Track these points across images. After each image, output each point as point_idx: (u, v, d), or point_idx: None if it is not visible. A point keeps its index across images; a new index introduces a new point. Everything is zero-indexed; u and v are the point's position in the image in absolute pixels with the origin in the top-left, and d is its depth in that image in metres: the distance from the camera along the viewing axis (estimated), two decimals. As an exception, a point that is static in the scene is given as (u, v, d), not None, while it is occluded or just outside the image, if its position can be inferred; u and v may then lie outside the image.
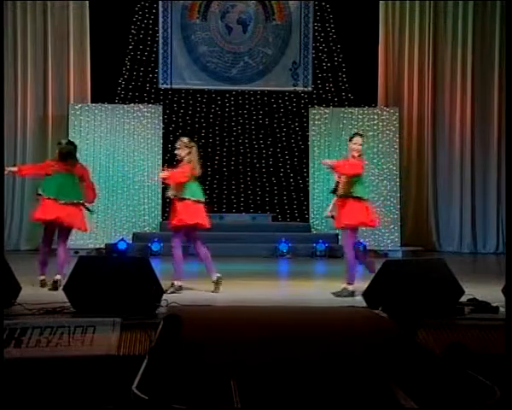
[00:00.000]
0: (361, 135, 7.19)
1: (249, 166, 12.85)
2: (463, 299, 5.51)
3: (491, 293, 6.03)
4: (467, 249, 12.57)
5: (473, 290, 5.80)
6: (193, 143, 7.32)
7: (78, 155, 7.54)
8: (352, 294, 6.43)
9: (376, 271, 5.73)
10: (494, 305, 5.54)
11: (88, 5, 12.40)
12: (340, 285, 6.65)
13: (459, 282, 5.49)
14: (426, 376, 3.72)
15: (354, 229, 6.78)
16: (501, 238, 12.65)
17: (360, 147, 6.91)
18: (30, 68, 12.31)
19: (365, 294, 5.58)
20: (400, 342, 4.32)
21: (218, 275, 6.99)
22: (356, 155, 6.88)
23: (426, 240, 12.65)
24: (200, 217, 7.01)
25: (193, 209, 6.92)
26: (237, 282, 7.93)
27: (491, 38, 12.64)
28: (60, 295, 5.29)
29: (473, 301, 5.61)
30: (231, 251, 11.19)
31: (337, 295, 6.53)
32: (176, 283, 6.87)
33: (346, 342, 4.34)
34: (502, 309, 5.52)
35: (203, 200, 7.07)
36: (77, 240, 11.93)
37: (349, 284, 6.59)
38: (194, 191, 6.98)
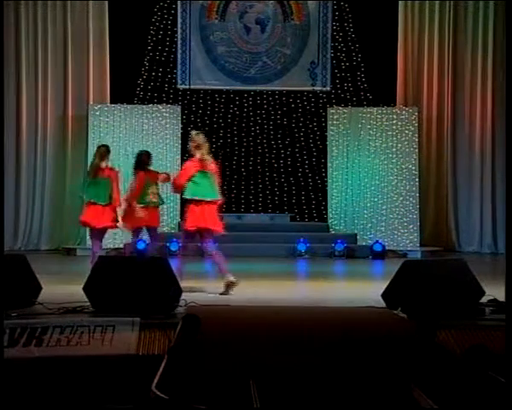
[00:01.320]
0: None
1: (267, 166, 12.84)
2: (484, 300, 5.45)
3: (512, 294, 5.96)
4: (487, 250, 12.46)
5: (493, 291, 5.74)
6: (201, 137, 7.20)
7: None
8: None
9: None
10: (515, 306, 5.48)
11: (107, 5, 12.47)
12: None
13: (479, 282, 5.44)
14: (446, 377, 3.69)
15: None
16: (522, 238, 12.51)
17: None
18: (50, 69, 12.41)
19: (384, 294, 5.55)
20: (420, 343, 4.29)
21: (232, 279, 6.82)
22: None
23: (445, 240, 12.56)
24: (213, 221, 6.99)
25: (207, 211, 6.90)
26: (255, 282, 7.93)
27: (512, 36, 12.51)
28: (80, 295, 5.32)
29: (493, 301, 5.55)
30: (250, 251, 11.20)
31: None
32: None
33: (365, 342, 4.32)
34: (523, 310, 5.46)
35: (215, 200, 6.98)
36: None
37: None
38: (207, 190, 6.87)
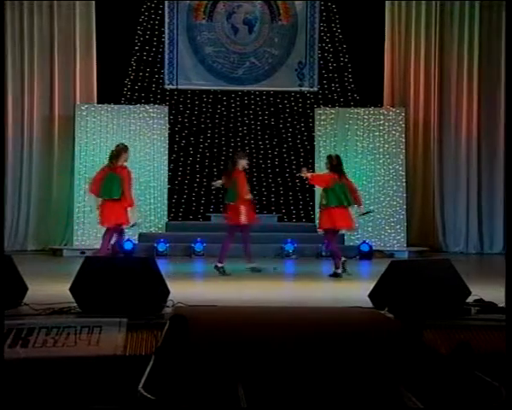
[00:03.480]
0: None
1: (255, 166, 12.83)
2: (470, 300, 5.49)
3: (498, 294, 5.99)
4: (473, 250, 12.54)
5: (479, 291, 5.78)
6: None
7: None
8: None
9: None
10: (500, 306, 5.52)
11: (94, 5, 12.43)
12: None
13: (465, 282, 5.48)
14: (432, 376, 3.71)
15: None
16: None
17: None
18: (36, 68, 12.34)
19: (371, 294, 5.57)
20: (406, 343, 4.31)
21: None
22: None
23: (432, 240, 12.62)
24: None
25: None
26: (243, 282, 7.94)
27: (498, 38, 12.59)
28: (66, 296, 5.30)
29: (479, 301, 5.59)
30: (237, 251, 11.17)
31: None
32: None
33: (351, 342, 4.34)
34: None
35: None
36: (83, 240, 11.99)
37: None
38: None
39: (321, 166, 12.46)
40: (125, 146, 8.72)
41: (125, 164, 8.55)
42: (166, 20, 12.66)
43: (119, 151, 8.51)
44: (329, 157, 8.86)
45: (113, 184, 8.30)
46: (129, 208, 8.36)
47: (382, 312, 5.25)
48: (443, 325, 4.78)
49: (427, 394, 3.47)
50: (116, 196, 8.22)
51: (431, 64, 12.72)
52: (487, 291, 6.06)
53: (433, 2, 12.73)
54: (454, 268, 5.54)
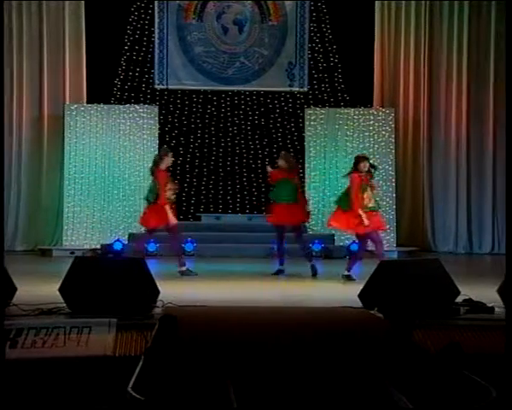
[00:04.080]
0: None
1: (245, 166, 12.85)
2: (459, 299, 5.51)
3: (487, 293, 6.04)
4: (462, 250, 12.60)
5: (468, 291, 5.81)
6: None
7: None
8: None
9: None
10: (489, 305, 5.55)
11: (84, 5, 12.38)
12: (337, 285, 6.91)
13: (455, 282, 5.50)
14: (421, 376, 3.72)
15: None
16: (496, 239, 12.68)
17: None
18: (25, 68, 12.29)
19: (361, 294, 5.58)
20: (396, 343, 4.32)
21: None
22: None
23: (421, 240, 12.67)
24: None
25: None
26: (233, 282, 7.93)
27: (487, 38, 12.67)
28: (55, 296, 5.28)
29: (468, 301, 5.61)
30: (227, 251, 11.20)
31: None
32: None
33: (341, 342, 4.35)
34: (497, 310, 5.53)
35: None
36: (72, 240, 11.95)
37: None
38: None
39: (311, 167, 12.51)
40: (167, 150, 8.99)
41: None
42: (156, 19, 12.64)
43: (162, 156, 8.73)
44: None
45: (150, 187, 8.65)
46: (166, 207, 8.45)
47: (372, 312, 5.27)
48: (432, 325, 4.80)
49: (417, 393, 3.48)
50: (151, 200, 8.52)
51: (420, 64, 12.77)
52: (476, 291, 6.09)
53: (423, 2, 12.78)
54: (443, 268, 5.56)
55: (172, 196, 8.61)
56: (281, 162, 8.83)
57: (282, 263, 8.71)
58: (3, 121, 10.22)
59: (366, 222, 7.93)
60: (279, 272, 8.63)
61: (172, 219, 8.46)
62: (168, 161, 8.71)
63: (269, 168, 9.30)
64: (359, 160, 8.25)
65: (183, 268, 8.51)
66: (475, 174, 12.75)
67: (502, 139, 12.70)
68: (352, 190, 8.06)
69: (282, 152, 9.60)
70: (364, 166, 8.09)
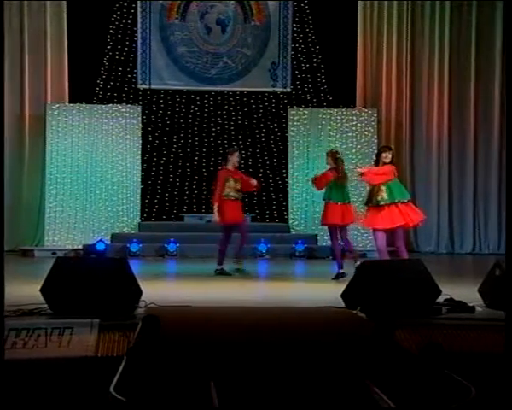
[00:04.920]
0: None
1: (228, 166, 12.82)
2: (440, 299, 5.55)
3: (468, 293, 6.09)
4: (444, 250, 12.69)
5: (450, 290, 5.85)
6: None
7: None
8: None
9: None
10: (470, 305, 5.60)
11: (65, 4, 12.30)
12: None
13: (436, 282, 5.54)
14: (403, 375, 3.75)
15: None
16: (477, 239, 12.78)
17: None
18: (7, 68, 12.14)
19: (343, 294, 5.61)
20: (378, 342, 4.35)
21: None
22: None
23: (404, 241, 12.71)
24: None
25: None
26: (216, 282, 7.93)
27: (468, 38, 12.77)
28: (37, 297, 5.24)
29: (449, 301, 5.66)
30: (211, 252, 11.13)
31: None
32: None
33: (324, 342, 4.36)
34: (478, 309, 5.58)
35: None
36: (54, 241, 11.87)
37: None
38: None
39: (294, 167, 12.54)
40: (233, 150, 9.03)
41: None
42: (139, 19, 12.59)
43: (227, 155, 8.84)
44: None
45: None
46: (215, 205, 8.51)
47: (354, 311, 5.29)
48: (414, 324, 4.83)
49: (399, 393, 3.50)
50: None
51: (402, 65, 12.84)
52: (457, 291, 6.13)
53: (405, 2, 12.86)
54: (425, 268, 5.60)
55: (231, 194, 8.54)
56: (329, 160, 8.57)
57: (341, 266, 8.19)
58: (3, 121, 10.09)
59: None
60: (341, 276, 8.06)
61: (221, 217, 8.46)
62: (234, 159, 8.71)
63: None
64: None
65: (219, 267, 8.56)
66: (457, 175, 12.86)
67: (483, 139, 12.83)
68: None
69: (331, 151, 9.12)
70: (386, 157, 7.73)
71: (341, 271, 8.09)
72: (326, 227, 8.71)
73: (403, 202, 7.44)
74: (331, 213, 8.23)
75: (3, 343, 4.15)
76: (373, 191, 7.48)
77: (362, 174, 7.64)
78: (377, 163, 7.60)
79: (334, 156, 8.53)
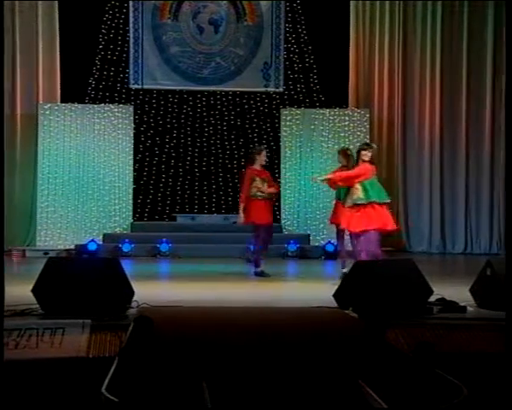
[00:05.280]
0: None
1: (221, 166, 12.84)
2: (432, 299, 5.57)
3: (460, 293, 6.12)
4: (436, 250, 12.73)
5: (441, 290, 5.87)
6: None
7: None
8: None
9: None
10: (462, 304, 5.62)
11: (57, 4, 12.27)
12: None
13: (428, 282, 5.56)
14: (395, 375, 3.75)
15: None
16: (469, 239, 12.83)
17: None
18: (-1, 67, 12.13)
19: (336, 294, 5.61)
20: (370, 342, 4.36)
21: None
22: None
23: (396, 241, 12.73)
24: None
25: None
26: (209, 282, 7.92)
27: (460, 38, 12.82)
28: (28, 297, 5.22)
29: (441, 300, 5.68)
30: (203, 252, 11.18)
31: None
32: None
33: (316, 342, 4.37)
34: (469, 309, 5.60)
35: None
36: (46, 241, 11.84)
37: None
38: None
39: (286, 167, 12.54)
40: (260, 149, 8.79)
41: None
42: (131, 19, 12.56)
43: (254, 154, 8.61)
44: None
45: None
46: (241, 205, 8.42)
47: (347, 311, 5.30)
48: (406, 324, 4.84)
49: (390, 392, 3.51)
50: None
51: (394, 65, 12.88)
52: (449, 290, 6.16)
53: (397, 3, 12.89)
54: (417, 268, 5.62)
55: (259, 194, 8.35)
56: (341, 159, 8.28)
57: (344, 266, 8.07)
58: (3, 121, 10.04)
59: None
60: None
61: (247, 217, 8.31)
62: (262, 158, 8.53)
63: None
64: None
65: (258, 269, 8.40)
66: (449, 174, 12.90)
67: (474, 139, 12.88)
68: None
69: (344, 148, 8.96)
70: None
71: (344, 270, 7.99)
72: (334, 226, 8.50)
73: (379, 204, 7.18)
74: (340, 213, 8.01)
75: (3, 343, 4.13)
76: (349, 192, 7.28)
77: (325, 180, 7.66)
78: (357, 161, 7.41)
79: (345, 154, 8.29)
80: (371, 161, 7.31)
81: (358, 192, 7.13)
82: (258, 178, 8.38)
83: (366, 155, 7.25)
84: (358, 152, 7.39)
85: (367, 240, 7.10)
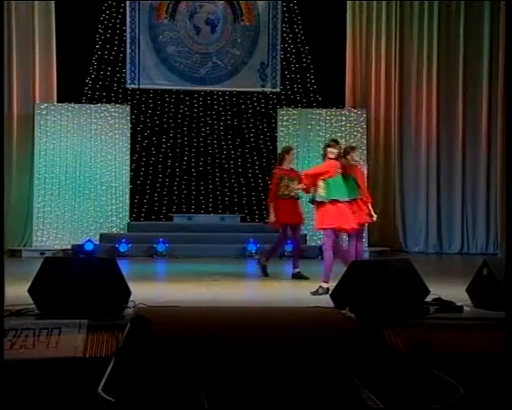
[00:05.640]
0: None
1: (218, 166, 12.83)
2: (429, 298, 5.57)
3: (456, 292, 6.13)
4: (432, 250, 12.74)
5: (438, 290, 5.88)
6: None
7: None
8: (327, 291, 6.54)
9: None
10: (458, 304, 5.63)
11: (54, 3, 12.25)
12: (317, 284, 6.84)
13: (425, 282, 5.56)
14: (391, 375, 3.76)
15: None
16: (465, 239, 12.84)
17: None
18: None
19: (333, 294, 5.62)
20: (366, 342, 4.36)
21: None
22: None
23: (392, 241, 12.78)
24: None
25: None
26: (205, 282, 7.91)
27: (456, 39, 12.83)
28: (24, 297, 5.21)
29: (438, 300, 5.68)
30: (200, 252, 11.17)
31: (313, 293, 6.72)
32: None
33: (313, 342, 4.37)
34: (466, 308, 5.61)
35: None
36: (43, 241, 11.82)
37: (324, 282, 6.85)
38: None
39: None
40: (289, 148, 8.81)
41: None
42: (128, 19, 12.55)
43: (283, 154, 8.58)
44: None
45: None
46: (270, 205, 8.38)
47: (344, 311, 5.31)
48: (402, 324, 4.85)
49: (387, 393, 3.51)
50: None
51: (391, 65, 12.88)
52: (446, 290, 6.16)
53: (393, 3, 12.89)
54: (413, 268, 5.62)
55: (286, 193, 8.28)
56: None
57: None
58: (3, 120, 10.03)
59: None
60: None
61: (278, 218, 8.23)
62: (290, 158, 8.50)
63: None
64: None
65: (296, 270, 8.28)
66: (445, 175, 12.91)
67: (471, 140, 12.89)
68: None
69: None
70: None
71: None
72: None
73: (343, 202, 7.00)
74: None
75: (3, 343, 4.12)
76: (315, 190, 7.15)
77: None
78: (323, 158, 7.26)
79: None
80: (337, 158, 7.15)
81: (320, 190, 7.00)
82: (286, 178, 8.34)
83: (332, 152, 7.11)
84: (325, 149, 7.26)
85: (327, 238, 7.02)
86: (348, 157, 7.59)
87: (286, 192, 8.31)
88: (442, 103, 12.87)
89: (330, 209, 6.92)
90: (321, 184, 7.00)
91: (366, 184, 8.07)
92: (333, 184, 6.98)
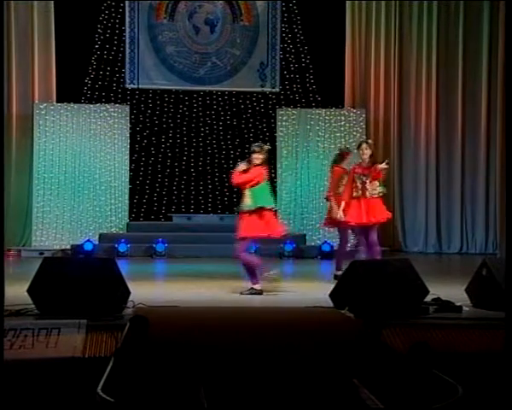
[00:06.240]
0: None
1: (217, 166, 12.84)
2: (428, 298, 5.58)
3: (455, 292, 6.13)
4: (432, 250, 12.74)
5: (437, 290, 5.88)
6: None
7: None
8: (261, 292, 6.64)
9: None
10: (458, 304, 5.63)
11: (53, 3, 12.25)
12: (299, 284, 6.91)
13: (424, 282, 5.56)
14: (391, 375, 3.76)
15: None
16: (465, 239, 12.85)
17: None
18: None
19: (332, 294, 5.62)
20: (366, 342, 4.36)
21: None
22: None
23: (392, 240, 12.78)
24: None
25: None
26: (205, 282, 7.92)
27: (456, 39, 12.84)
28: (24, 297, 5.21)
29: (437, 300, 5.68)
30: (199, 252, 11.18)
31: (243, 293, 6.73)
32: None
33: (312, 342, 4.37)
34: (465, 308, 5.61)
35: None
36: (42, 241, 11.82)
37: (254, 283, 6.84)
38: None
39: (282, 167, 12.55)
40: (349, 149, 8.74)
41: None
42: (127, 19, 12.56)
43: (343, 154, 8.48)
44: None
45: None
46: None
47: (343, 311, 5.31)
48: (402, 324, 4.85)
49: (387, 392, 3.51)
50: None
51: (390, 65, 12.89)
52: (445, 290, 6.16)
53: (393, 3, 12.90)
54: (413, 267, 5.62)
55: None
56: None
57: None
58: (3, 120, 10.03)
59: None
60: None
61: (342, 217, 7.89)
62: (349, 159, 8.39)
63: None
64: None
65: (338, 272, 7.86)
66: (444, 175, 12.91)
67: (470, 139, 12.89)
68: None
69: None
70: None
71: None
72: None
73: (268, 210, 6.80)
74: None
75: (3, 343, 4.12)
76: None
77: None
78: (249, 163, 6.94)
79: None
80: (263, 164, 6.91)
81: (247, 199, 6.81)
82: (346, 176, 8.18)
83: (258, 158, 6.84)
84: (250, 155, 6.99)
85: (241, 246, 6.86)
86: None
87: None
88: (441, 103, 12.87)
89: (255, 218, 6.74)
90: (247, 192, 6.80)
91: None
92: (259, 192, 6.77)
